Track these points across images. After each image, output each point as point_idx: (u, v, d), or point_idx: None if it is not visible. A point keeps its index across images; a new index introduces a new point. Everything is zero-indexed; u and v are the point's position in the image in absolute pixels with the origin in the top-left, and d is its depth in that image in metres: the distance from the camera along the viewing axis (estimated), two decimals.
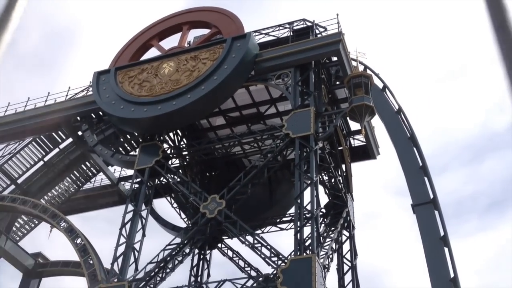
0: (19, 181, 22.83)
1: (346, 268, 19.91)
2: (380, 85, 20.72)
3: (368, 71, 20.11)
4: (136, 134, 21.10)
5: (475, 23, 49.34)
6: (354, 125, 21.72)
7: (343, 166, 21.55)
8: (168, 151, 20.12)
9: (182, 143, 21.75)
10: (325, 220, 20.68)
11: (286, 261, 15.27)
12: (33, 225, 23.84)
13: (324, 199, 20.85)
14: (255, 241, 16.75)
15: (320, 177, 19.97)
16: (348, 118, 19.39)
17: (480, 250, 41.15)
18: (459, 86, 49.03)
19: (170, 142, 20.92)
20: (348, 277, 19.72)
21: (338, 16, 20.20)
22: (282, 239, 26.80)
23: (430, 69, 50.73)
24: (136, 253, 17.53)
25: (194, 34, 22.79)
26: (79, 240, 18.93)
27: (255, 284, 15.97)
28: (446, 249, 16.50)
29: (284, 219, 22.78)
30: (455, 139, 47.35)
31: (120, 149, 21.90)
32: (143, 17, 52.02)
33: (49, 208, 20.53)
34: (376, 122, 21.34)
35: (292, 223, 21.37)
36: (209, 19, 21.58)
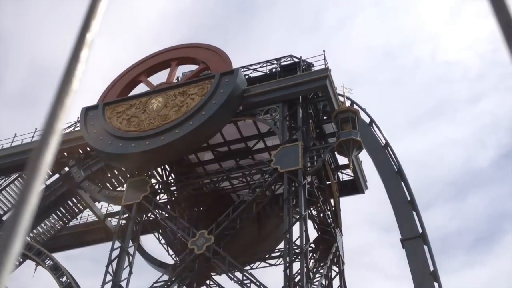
0: (4, 218, 22.48)
1: None
2: (367, 120, 20.93)
3: (355, 106, 20.33)
4: (124, 169, 20.98)
5: (456, 60, 50.34)
6: (342, 160, 21.81)
7: (332, 201, 21.53)
8: (156, 187, 20.00)
9: (170, 178, 21.64)
10: (315, 255, 20.53)
11: None
12: (17, 263, 23.37)
13: (313, 234, 20.77)
14: (244, 278, 16.56)
15: (309, 211, 19.91)
16: (336, 152, 19.49)
17: (468, 285, 40.93)
18: (441, 122, 49.68)
19: (158, 177, 20.80)
20: None
21: (324, 52, 20.54)
22: (271, 275, 26.49)
23: (414, 105, 51.43)
24: None
25: (183, 70, 22.99)
26: (64, 278, 18.60)
27: None
28: (436, 284, 16.43)
29: (273, 254, 22.55)
30: (438, 175, 47.70)
31: (108, 184, 21.71)
32: (131, 53, 52.45)
33: (35, 246, 20.21)
34: (364, 156, 21.46)
35: (281, 259, 21.16)
36: (197, 55, 21.79)
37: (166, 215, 18.98)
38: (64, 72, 0.78)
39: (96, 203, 23.32)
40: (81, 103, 21.33)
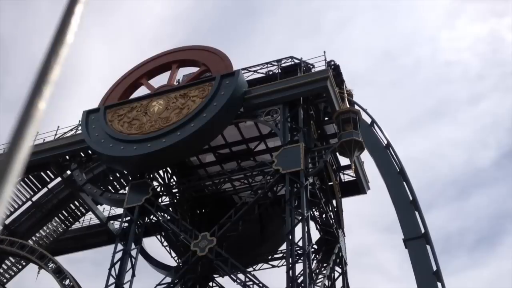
0: (7, 221, 22.50)
1: None
2: (369, 120, 20.92)
3: (356, 107, 20.32)
4: (126, 172, 20.99)
5: (456, 61, 50.36)
6: (343, 160, 21.80)
7: (334, 202, 21.52)
8: (158, 189, 20.00)
9: (172, 180, 21.65)
10: (317, 256, 20.50)
11: None
12: (20, 267, 23.37)
13: (315, 234, 20.74)
14: (247, 279, 16.54)
15: (311, 212, 19.89)
16: (337, 153, 19.48)
17: (471, 286, 40.83)
18: (442, 122, 49.65)
19: (160, 180, 20.81)
20: None
21: (325, 53, 20.55)
22: (273, 276, 26.46)
23: (414, 106, 51.43)
24: None
25: (183, 72, 23.00)
26: (67, 282, 18.57)
27: None
28: (439, 284, 16.39)
29: (276, 256, 22.55)
30: (440, 175, 47.62)
31: (110, 187, 21.73)
32: (129, 57, 52.52)
33: (37, 249, 20.19)
34: (366, 157, 21.45)
35: (283, 260, 21.13)
36: (198, 57, 21.80)
37: (168, 217, 18.97)
38: (59, 23, 0.77)
39: (98, 206, 23.31)
40: (82, 106, 21.37)
